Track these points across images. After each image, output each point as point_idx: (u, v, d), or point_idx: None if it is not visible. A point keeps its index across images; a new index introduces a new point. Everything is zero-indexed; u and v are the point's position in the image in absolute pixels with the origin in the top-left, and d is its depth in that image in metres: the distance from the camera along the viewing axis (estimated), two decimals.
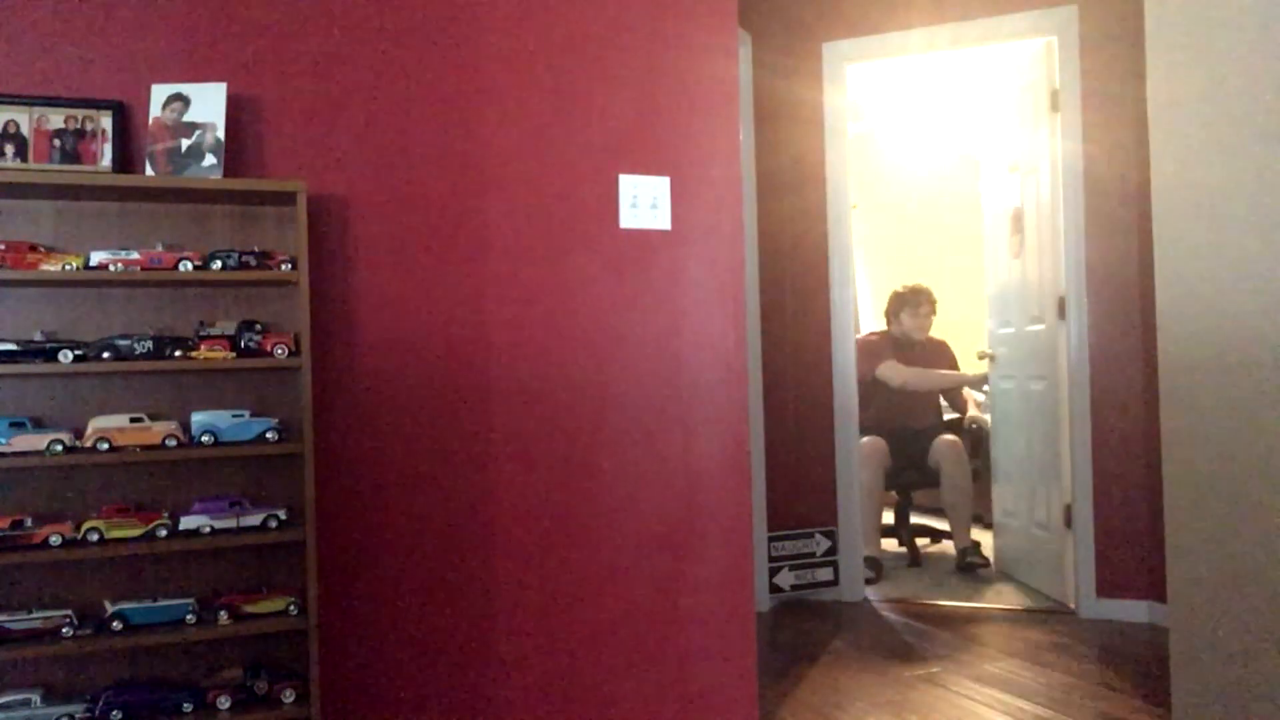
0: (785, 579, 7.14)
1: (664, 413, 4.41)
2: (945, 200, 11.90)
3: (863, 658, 5.84)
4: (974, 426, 8.98)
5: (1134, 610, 6.52)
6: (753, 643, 4.58)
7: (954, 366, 9.01)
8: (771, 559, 7.07)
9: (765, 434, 7.17)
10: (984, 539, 9.08)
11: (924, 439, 8.51)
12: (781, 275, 7.28)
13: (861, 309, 11.88)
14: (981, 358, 8.03)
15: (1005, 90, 7.52)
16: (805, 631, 6.46)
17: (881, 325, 9.35)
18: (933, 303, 8.75)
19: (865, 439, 8.18)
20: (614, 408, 4.34)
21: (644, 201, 4.36)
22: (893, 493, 8.75)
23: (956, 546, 8.18)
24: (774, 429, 7.24)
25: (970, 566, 7.99)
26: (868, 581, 7.62)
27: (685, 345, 4.44)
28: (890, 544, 9.17)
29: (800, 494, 7.28)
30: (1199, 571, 4.03)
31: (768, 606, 6.98)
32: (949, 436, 8.39)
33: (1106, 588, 6.59)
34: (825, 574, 7.22)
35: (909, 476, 8.46)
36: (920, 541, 9.30)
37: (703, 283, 4.47)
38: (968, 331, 10.25)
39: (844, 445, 7.23)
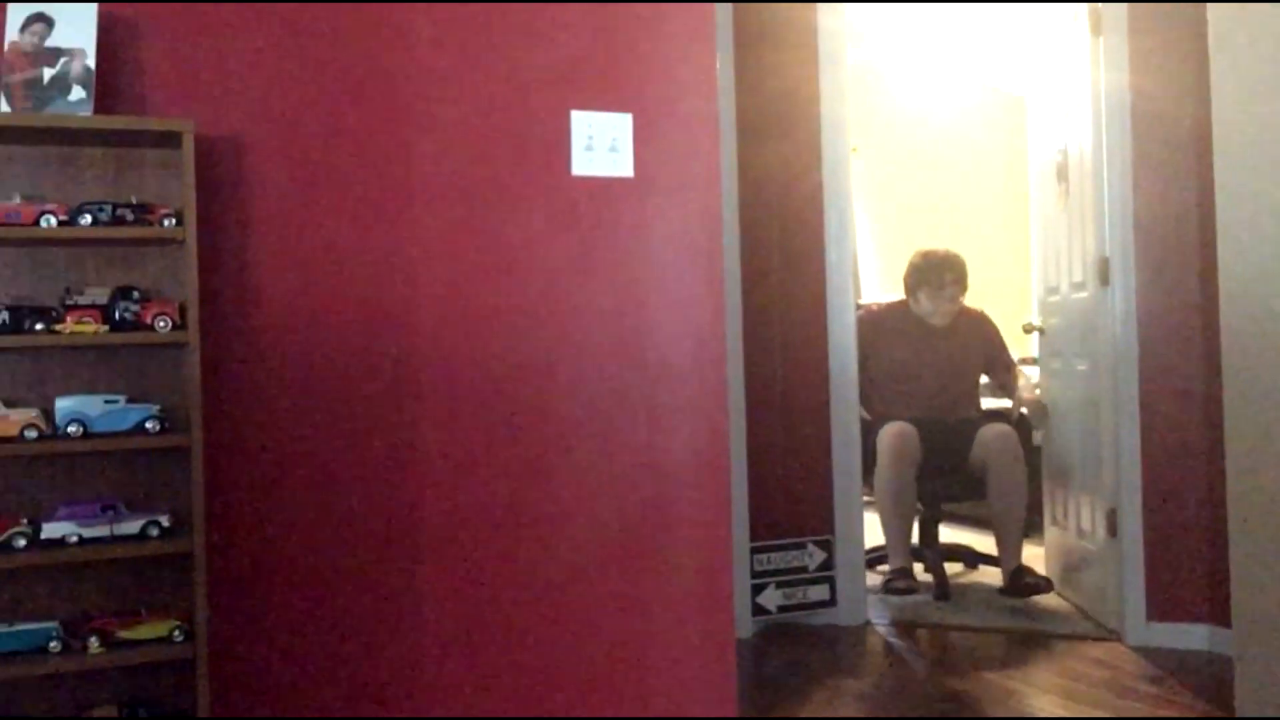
0: (772, 598, 7.15)
1: (626, 399, 4.45)
2: (968, 143, 11.97)
3: (865, 695, 5.90)
4: (1022, 415, 8.32)
5: (1192, 636, 6.55)
6: (733, 675, 4.64)
7: (995, 346, 8.38)
8: (755, 574, 7.08)
9: (747, 424, 7.15)
10: (1031, 553, 8.19)
11: (963, 433, 7.92)
12: (767, 233, 7.31)
13: (863, 273, 11.91)
14: (1029, 331, 7.98)
15: (1039, 10, 7.55)
16: (796, 662, 6.51)
17: (896, 294, 8.80)
18: (961, 275, 8.12)
19: (890, 426, 7.75)
20: (565, 392, 4.37)
21: (601, 143, 4.40)
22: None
23: (1004, 567, 7.67)
24: (758, 419, 7.24)
25: (1027, 589, 7.43)
26: (903, 592, 7.41)
27: (651, 317, 4.48)
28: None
29: (790, 497, 7.30)
30: (1270, 591, 4.03)
31: (750, 631, 7.01)
32: (999, 427, 7.81)
33: (1159, 609, 6.63)
34: (820, 592, 7.24)
35: (941, 483, 8.00)
36: (952, 568, 8.55)
37: (672, 242, 4.51)
38: (1003, 302, 10.10)
39: (842, 438, 7.27)
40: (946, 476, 7.93)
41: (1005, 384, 8.52)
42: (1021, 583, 7.41)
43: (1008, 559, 7.62)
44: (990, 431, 7.75)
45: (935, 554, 8.19)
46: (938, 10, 10.58)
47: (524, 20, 4.32)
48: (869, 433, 7.78)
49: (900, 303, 8.39)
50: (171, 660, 3.78)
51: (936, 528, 8.33)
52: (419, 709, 4.21)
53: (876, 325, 8.26)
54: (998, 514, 7.69)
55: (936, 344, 8.17)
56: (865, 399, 7.86)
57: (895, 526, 7.65)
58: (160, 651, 3.68)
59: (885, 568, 7.69)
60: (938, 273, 8.09)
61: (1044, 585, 7.40)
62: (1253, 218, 4.04)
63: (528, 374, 4.32)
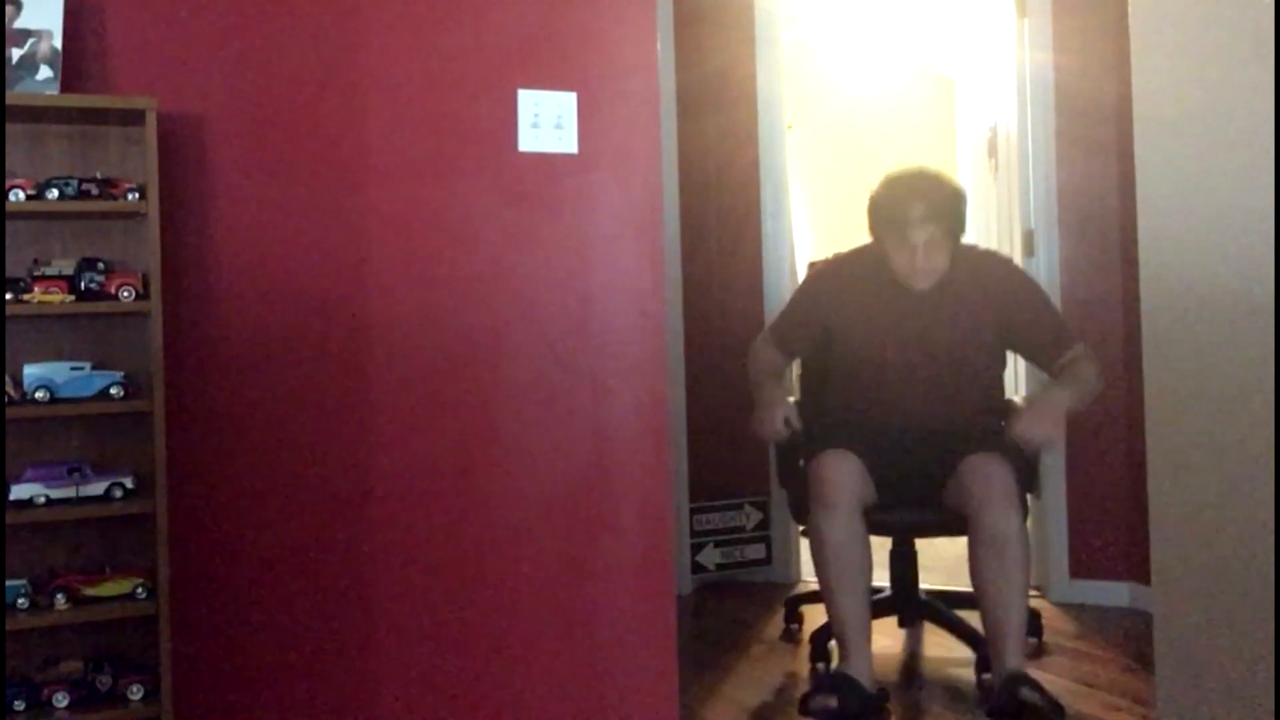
0: (710, 557, 7.19)
1: (570, 365, 4.47)
2: (898, 121, 12.01)
3: (799, 648, 5.93)
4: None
5: (1113, 593, 6.63)
6: (673, 631, 4.67)
7: (1024, 305, 5.39)
8: (694, 534, 7.13)
9: (687, 389, 7.19)
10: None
11: (944, 456, 5.17)
12: (706, 206, 7.34)
13: (798, 243, 11.94)
14: None
15: None
16: (734, 618, 6.56)
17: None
18: (942, 205, 5.21)
19: (826, 457, 5.12)
20: (512, 358, 4.40)
21: (546, 120, 4.42)
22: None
23: (995, 669, 4.83)
24: (697, 384, 7.26)
25: (1023, 711, 4.56)
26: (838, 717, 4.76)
27: (594, 286, 4.51)
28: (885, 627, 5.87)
29: (727, 459, 7.30)
30: (1187, 549, 4.03)
31: (690, 589, 7.07)
32: (983, 459, 5.01)
33: (1081, 567, 6.70)
34: (756, 551, 7.27)
35: (909, 516, 5.45)
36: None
37: (615, 214, 4.54)
38: None
39: None
40: (918, 508, 5.39)
41: (1054, 369, 5.38)
42: (1018, 700, 4.59)
43: (1001, 655, 4.80)
44: (970, 466, 5.02)
45: (916, 610, 5.89)
46: None
47: (473, 3, 4.34)
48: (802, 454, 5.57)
49: (866, 249, 5.66)
50: (135, 616, 3.79)
51: (912, 562, 5.83)
52: (374, 658, 4.24)
53: (824, 285, 5.85)
54: (983, 587, 4.89)
55: (914, 316, 5.34)
56: (812, 394, 6.07)
57: (840, 604, 5.05)
58: (124, 608, 3.70)
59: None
60: (902, 206, 5.21)
61: (1052, 710, 4.57)
62: (1171, 191, 4.06)
63: (477, 341, 4.34)
